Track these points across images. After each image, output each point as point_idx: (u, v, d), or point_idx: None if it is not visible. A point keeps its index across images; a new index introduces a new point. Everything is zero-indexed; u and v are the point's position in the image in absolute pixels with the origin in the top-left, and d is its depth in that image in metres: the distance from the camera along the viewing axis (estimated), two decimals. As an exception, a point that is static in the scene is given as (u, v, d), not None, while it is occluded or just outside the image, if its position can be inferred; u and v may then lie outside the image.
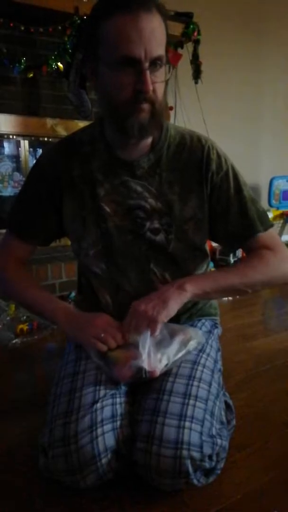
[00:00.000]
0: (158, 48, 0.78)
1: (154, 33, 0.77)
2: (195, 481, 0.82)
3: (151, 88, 0.78)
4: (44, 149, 1.02)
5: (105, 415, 0.82)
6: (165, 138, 0.94)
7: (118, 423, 0.83)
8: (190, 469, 0.79)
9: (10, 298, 1.04)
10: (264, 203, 3.46)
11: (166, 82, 0.84)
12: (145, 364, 0.82)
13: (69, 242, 1.05)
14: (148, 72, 0.78)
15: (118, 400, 0.86)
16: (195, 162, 0.93)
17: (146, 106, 0.81)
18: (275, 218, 3.36)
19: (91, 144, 0.95)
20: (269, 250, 0.95)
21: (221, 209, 0.95)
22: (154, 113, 0.83)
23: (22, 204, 1.02)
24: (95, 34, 0.80)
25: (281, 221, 3.56)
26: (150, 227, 0.93)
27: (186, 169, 0.93)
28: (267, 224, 0.97)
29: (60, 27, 2.03)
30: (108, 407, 0.84)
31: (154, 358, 0.84)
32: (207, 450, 0.82)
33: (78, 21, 2.02)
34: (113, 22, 0.76)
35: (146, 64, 0.77)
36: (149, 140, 0.92)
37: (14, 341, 1.70)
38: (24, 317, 1.87)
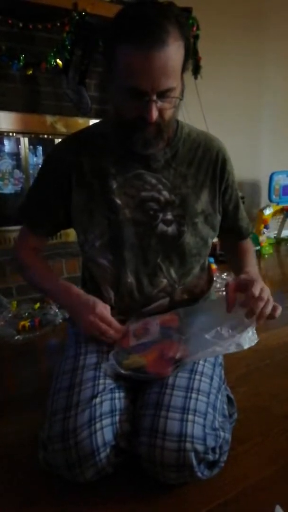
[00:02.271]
0: (169, 81, 0.78)
1: (166, 68, 0.77)
2: (199, 474, 0.83)
3: (154, 118, 0.81)
4: (56, 143, 1.04)
5: (104, 410, 0.83)
6: (180, 134, 0.97)
7: (117, 417, 0.84)
8: (194, 461, 0.80)
9: (28, 284, 1.12)
10: (264, 198, 3.47)
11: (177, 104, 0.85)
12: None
13: (70, 239, 1.08)
14: (154, 104, 0.79)
15: (117, 395, 0.87)
16: (210, 160, 0.98)
17: (151, 127, 0.84)
18: (275, 213, 3.37)
19: (104, 139, 0.96)
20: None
21: (233, 207, 1.06)
22: (159, 131, 0.85)
23: (33, 197, 1.05)
24: (111, 51, 0.80)
25: (281, 216, 3.57)
26: (163, 218, 0.95)
27: (201, 165, 0.98)
28: None
29: (58, 24, 2.03)
30: (107, 402, 0.84)
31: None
32: (210, 442, 0.83)
33: (77, 17, 2.01)
34: (125, 51, 0.77)
35: (154, 96, 0.79)
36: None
37: (16, 338, 1.71)
38: (26, 314, 1.88)
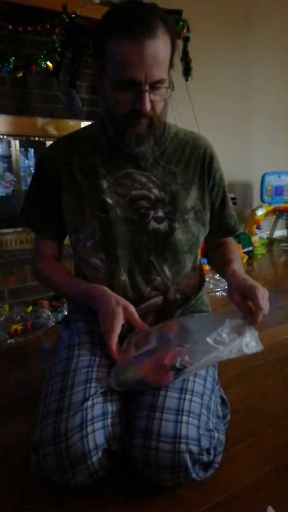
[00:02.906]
0: (160, 71, 0.82)
1: (156, 58, 0.80)
2: (194, 475, 0.83)
3: (148, 109, 0.84)
4: (46, 146, 1.05)
5: (96, 413, 0.83)
6: (168, 133, 1.00)
7: (109, 420, 0.84)
8: (189, 463, 0.80)
9: (50, 290, 1.11)
10: (256, 199, 3.49)
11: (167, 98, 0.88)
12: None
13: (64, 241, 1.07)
14: (147, 94, 0.82)
15: (109, 397, 0.87)
16: (197, 158, 1.01)
17: (143, 120, 0.86)
18: (267, 213, 3.39)
19: (93, 140, 0.98)
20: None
21: (219, 204, 1.07)
22: (151, 125, 0.88)
23: (31, 201, 1.05)
24: (101, 47, 0.84)
25: (273, 217, 3.59)
26: (154, 216, 0.96)
27: (189, 162, 1.00)
28: None
29: (48, 26, 2.02)
30: (99, 405, 0.84)
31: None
32: (205, 443, 0.83)
33: (67, 20, 2.01)
34: (117, 44, 0.80)
35: (146, 87, 0.82)
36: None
37: (8, 341, 1.70)
38: (18, 317, 1.87)
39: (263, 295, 0.87)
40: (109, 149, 0.96)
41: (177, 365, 0.83)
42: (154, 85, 0.83)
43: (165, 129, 0.99)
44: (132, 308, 0.91)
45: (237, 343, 0.83)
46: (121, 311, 0.89)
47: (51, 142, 1.23)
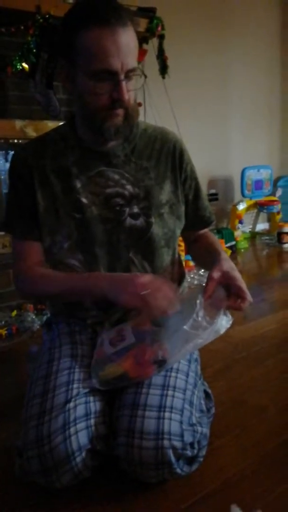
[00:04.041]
0: (133, 60, 0.84)
1: (129, 46, 0.82)
2: (178, 470, 0.84)
3: (127, 97, 0.84)
4: (16, 150, 1.02)
5: (78, 414, 0.83)
6: (137, 130, 1.00)
7: (92, 421, 0.84)
8: (172, 458, 0.81)
9: (37, 297, 1.02)
10: (237, 194, 3.52)
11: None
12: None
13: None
14: (124, 83, 0.83)
15: (92, 398, 0.87)
16: (168, 152, 1.02)
17: (120, 111, 0.87)
18: (248, 208, 3.42)
19: (63, 141, 0.98)
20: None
21: (193, 196, 1.07)
22: (127, 116, 0.89)
23: (11, 207, 1.02)
24: (71, 41, 0.84)
25: (255, 211, 3.63)
26: (130, 212, 0.97)
27: (160, 157, 1.01)
28: None
29: (22, 27, 2.01)
30: (82, 406, 0.84)
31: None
32: (188, 438, 0.84)
33: (41, 20, 2.00)
34: (91, 35, 0.80)
35: (122, 76, 0.83)
36: None
37: (-6, 346, 1.69)
38: (3, 322, 1.86)
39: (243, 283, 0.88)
40: (79, 148, 0.96)
41: (158, 359, 0.84)
42: (128, 74, 0.84)
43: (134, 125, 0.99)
44: None
45: (214, 326, 0.83)
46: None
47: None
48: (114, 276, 0.93)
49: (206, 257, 1.03)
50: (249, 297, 0.87)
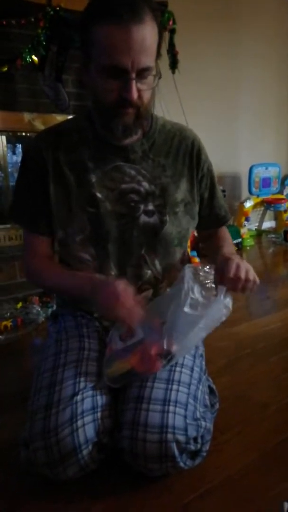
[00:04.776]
0: (147, 59, 0.80)
1: (143, 44, 0.78)
2: (181, 464, 0.84)
3: (135, 97, 0.81)
4: (29, 140, 1.00)
5: (86, 407, 0.83)
6: (156, 126, 0.99)
7: (99, 414, 0.85)
8: (176, 452, 0.82)
9: (45, 290, 1.03)
10: (244, 191, 3.50)
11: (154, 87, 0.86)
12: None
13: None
14: (134, 82, 0.80)
15: (99, 391, 0.88)
16: (186, 150, 1.01)
17: (131, 110, 0.84)
18: (255, 205, 3.41)
19: (78, 133, 0.96)
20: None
21: (209, 194, 1.07)
22: (139, 116, 0.86)
23: (20, 197, 1.00)
24: (87, 34, 0.81)
25: (262, 209, 3.61)
26: (145, 209, 0.96)
27: (178, 154, 1.00)
28: None
29: (33, 19, 2.00)
30: (89, 399, 0.85)
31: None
32: (192, 432, 0.84)
33: (51, 12, 1.99)
34: (104, 30, 0.78)
35: (133, 74, 0.80)
36: None
37: (-1, 338, 1.70)
38: (8, 314, 1.87)
39: (237, 266, 0.86)
40: (96, 142, 0.95)
41: (166, 352, 0.84)
42: (141, 73, 0.80)
43: (152, 121, 0.98)
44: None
45: (215, 303, 0.81)
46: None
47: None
48: (96, 283, 0.90)
49: (214, 255, 1.02)
50: (252, 276, 0.85)
